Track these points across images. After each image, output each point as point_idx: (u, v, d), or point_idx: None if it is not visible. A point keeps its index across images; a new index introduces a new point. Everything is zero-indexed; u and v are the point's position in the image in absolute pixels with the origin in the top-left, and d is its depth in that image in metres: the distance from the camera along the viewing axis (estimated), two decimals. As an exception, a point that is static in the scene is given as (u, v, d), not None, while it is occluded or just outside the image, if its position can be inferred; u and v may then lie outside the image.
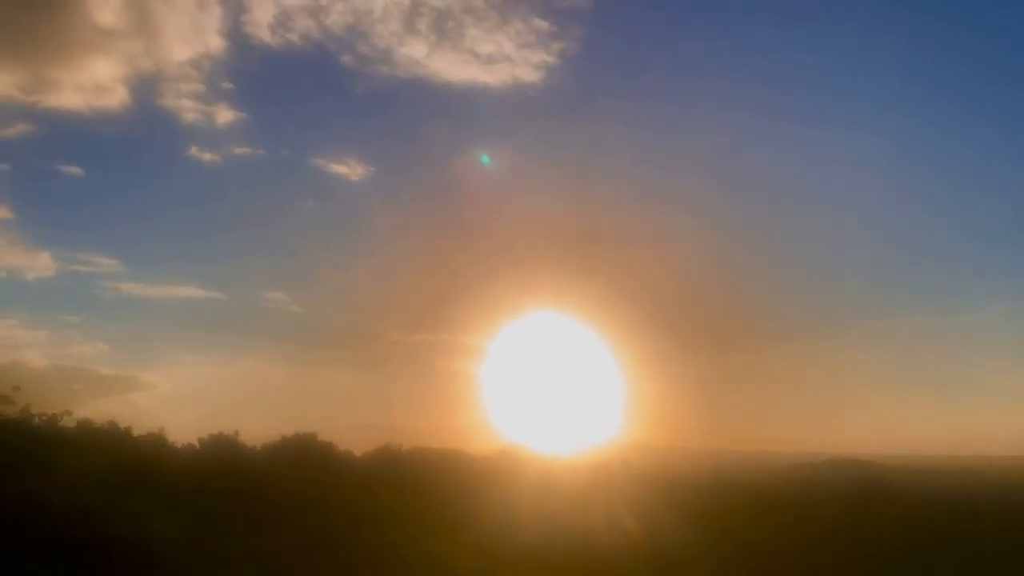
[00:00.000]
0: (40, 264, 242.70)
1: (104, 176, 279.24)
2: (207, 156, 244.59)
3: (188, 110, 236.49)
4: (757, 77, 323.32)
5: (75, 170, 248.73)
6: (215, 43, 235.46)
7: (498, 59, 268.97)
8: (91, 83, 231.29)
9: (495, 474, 47.34)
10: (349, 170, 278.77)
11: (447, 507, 38.78)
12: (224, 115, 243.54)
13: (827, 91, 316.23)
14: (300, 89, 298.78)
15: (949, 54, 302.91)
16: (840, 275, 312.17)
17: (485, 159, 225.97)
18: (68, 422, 40.75)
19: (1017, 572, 36.64)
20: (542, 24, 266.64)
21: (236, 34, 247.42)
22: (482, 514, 37.70)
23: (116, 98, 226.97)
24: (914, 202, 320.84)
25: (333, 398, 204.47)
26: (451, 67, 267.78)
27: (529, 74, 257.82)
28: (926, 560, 37.19)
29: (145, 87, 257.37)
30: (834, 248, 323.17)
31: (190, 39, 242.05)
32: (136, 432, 44.71)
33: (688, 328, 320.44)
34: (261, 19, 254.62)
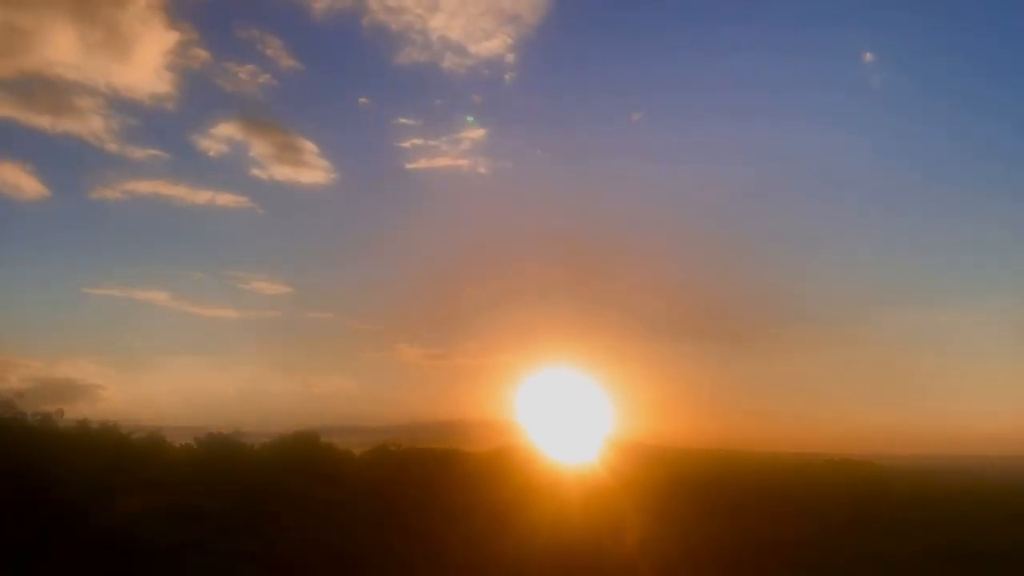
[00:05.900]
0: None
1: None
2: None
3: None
4: (756, 77, 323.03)
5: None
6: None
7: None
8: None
9: (492, 474, 47.29)
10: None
11: (444, 506, 38.79)
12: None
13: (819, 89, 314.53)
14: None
15: (952, 51, 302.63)
16: (840, 275, 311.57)
17: (470, 120, 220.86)
18: (65, 422, 40.93)
19: (1017, 571, 36.63)
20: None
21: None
22: (480, 513, 37.74)
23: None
24: (913, 198, 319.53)
25: (333, 399, 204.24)
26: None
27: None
28: (925, 559, 37.18)
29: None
30: (834, 248, 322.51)
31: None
32: (134, 432, 44.90)
33: (688, 327, 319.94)
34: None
